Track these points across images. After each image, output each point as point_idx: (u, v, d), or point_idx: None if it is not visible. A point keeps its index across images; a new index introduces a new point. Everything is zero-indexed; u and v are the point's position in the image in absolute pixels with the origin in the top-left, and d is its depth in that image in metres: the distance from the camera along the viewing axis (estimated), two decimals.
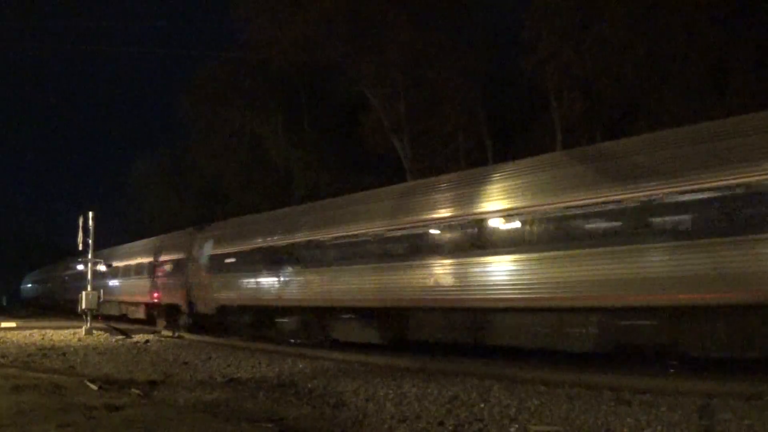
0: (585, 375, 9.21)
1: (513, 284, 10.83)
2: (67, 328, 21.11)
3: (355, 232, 14.25)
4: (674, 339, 9.25)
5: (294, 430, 6.72)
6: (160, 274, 23.73)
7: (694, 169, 8.88)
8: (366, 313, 13.90)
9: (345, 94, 29.03)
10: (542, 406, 7.38)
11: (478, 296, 11.41)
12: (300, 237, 15.98)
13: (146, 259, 25.44)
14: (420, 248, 12.70)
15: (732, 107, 15.02)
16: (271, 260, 16.81)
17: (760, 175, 8.23)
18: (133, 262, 27.09)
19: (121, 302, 27.91)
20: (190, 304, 20.74)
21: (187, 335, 19.62)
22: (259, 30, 26.94)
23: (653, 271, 9.11)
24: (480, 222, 11.54)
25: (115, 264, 27.91)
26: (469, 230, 11.77)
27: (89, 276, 21.44)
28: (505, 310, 11.07)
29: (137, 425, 6.10)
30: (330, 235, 14.97)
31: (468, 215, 11.79)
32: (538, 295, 10.38)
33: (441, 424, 6.76)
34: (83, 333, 19.44)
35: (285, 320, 16.71)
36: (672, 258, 8.93)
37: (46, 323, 24.28)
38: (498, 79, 25.56)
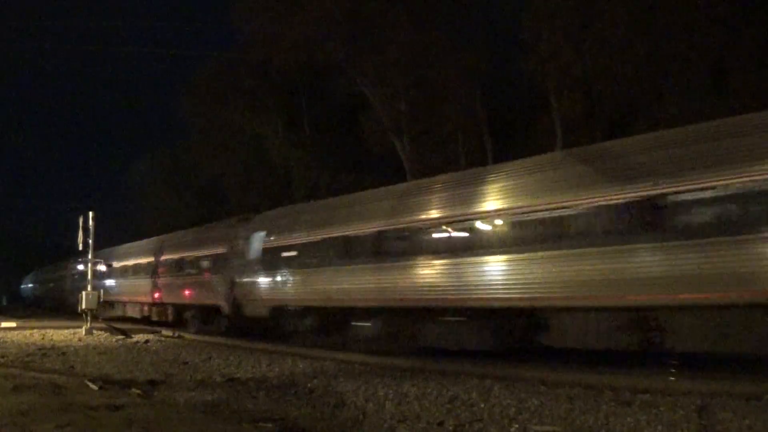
0: (585, 375, 9.22)
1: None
2: (67, 328, 21.10)
3: (499, 208, 11.44)
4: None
5: (294, 430, 6.71)
6: (192, 271, 21.54)
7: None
8: (478, 314, 11.70)
9: (345, 94, 29.05)
10: (542, 406, 7.38)
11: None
12: (400, 222, 13.29)
13: (171, 256, 23.41)
14: (567, 234, 10.45)
15: (732, 107, 15.01)
16: (347, 252, 14.43)
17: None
18: (149, 259, 25.38)
19: (134, 303, 26.46)
20: (235, 305, 18.43)
21: (187, 335, 19.62)
22: (259, 30, 26.99)
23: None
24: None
25: (129, 263, 26.68)
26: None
27: (89, 276, 21.43)
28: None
29: (137, 425, 6.10)
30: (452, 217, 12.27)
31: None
32: None
33: (441, 424, 6.76)
34: (83, 333, 19.43)
35: (363, 324, 14.29)
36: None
37: (46, 323, 24.26)
38: (498, 79, 25.58)
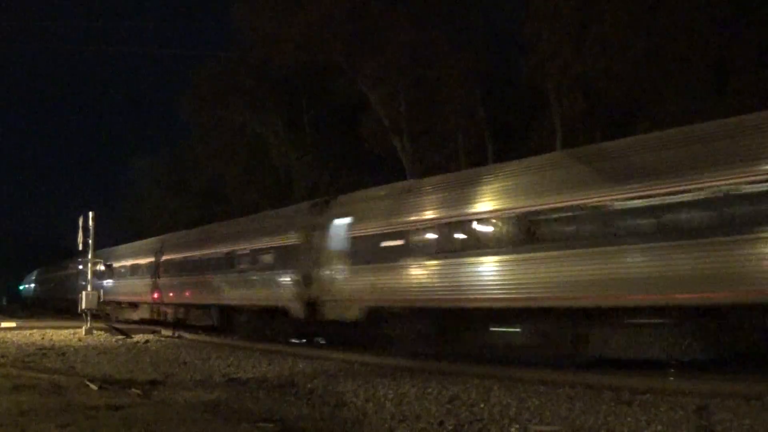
0: (585, 375, 9.21)
1: None
2: (67, 328, 21.10)
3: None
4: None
5: (294, 430, 6.71)
6: (242, 267, 18.79)
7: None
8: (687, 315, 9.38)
9: (345, 94, 29.03)
10: (542, 406, 7.39)
11: None
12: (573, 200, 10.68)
13: (206, 251, 20.92)
14: None
15: (732, 107, 15.01)
16: (491, 239, 11.71)
17: None
18: (170, 257, 23.41)
19: (151, 304, 24.89)
20: (309, 306, 15.57)
21: (187, 335, 19.61)
22: (259, 30, 26.96)
23: None
24: None
25: (140, 261, 25.46)
26: None
27: (89, 276, 21.42)
28: None
29: (137, 425, 6.10)
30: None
31: None
32: None
33: (441, 424, 6.76)
34: (83, 333, 19.43)
35: (508, 329, 11.74)
36: None
37: (46, 323, 24.26)
38: (498, 79, 25.57)
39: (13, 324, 22.51)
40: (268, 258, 17.65)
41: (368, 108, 27.05)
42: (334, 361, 12.37)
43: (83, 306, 20.36)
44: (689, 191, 9.25)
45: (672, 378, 8.84)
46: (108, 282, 28.65)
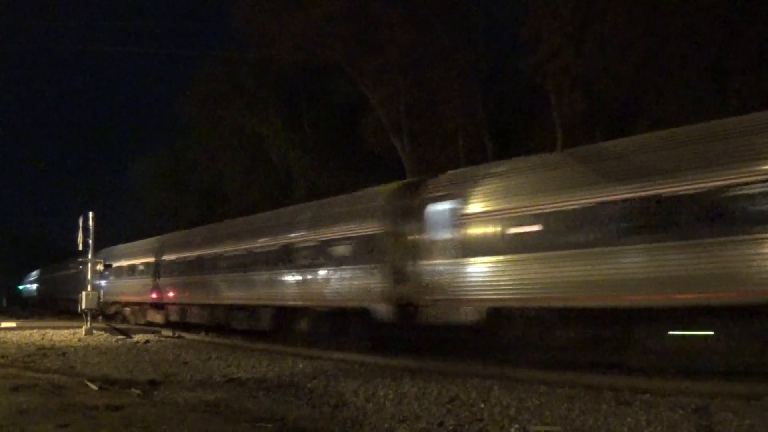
0: (585, 375, 9.21)
1: None
2: (67, 328, 21.10)
3: None
4: None
5: (294, 430, 6.71)
6: (305, 263, 15.88)
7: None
8: None
9: (345, 94, 29.07)
10: (542, 406, 7.38)
11: None
12: None
13: (264, 243, 17.77)
14: None
15: (732, 107, 15.03)
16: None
17: None
18: (199, 253, 20.98)
19: (183, 305, 22.33)
20: (400, 306, 13.06)
21: (187, 335, 19.61)
22: (259, 30, 26.98)
23: None
24: None
25: (168, 257, 23.14)
26: None
27: (89, 276, 21.42)
28: None
29: (137, 425, 6.10)
30: None
31: None
32: None
33: (441, 424, 6.76)
34: (83, 333, 19.42)
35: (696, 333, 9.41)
36: None
37: (46, 323, 24.26)
38: (498, 79, 25.62)
39: (13, 324, 22.51)
40: (341, 250, 14.73)
41: (368, 108, 27.07)
42: (334, 361, 12.36)
43: (83, 306, 20.36)
44: None
45: (672, 378, 8.84)
46: (124, 281, 27.09)
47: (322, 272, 15.31)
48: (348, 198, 16.09)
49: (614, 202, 9.93)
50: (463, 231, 11.98)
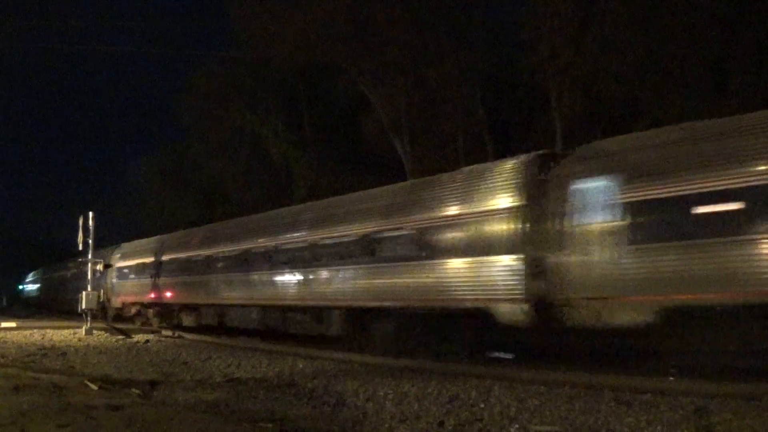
0: (585, 375, 9.21)
1: None
2: (67, 328, 21.11)
3: None
4: None
5: (294, 430, 6.71)
6: (390, 254, 13.24)
7: None
8: None
9: (345, 94, 29.08)
10: (542, 406, 7.38)
11: None
12: None
13: (332, 233, 15.07)
14: None
15: (732, 107, 15.02)
16: None
17: None
18: (265, 243, 17.36)
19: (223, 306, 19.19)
20: (546, 306, 10.43)
21: (187, 335, 19.61)
22: (259, 30, 26.98)
23: None
24: None
25: (199, 252, 20.22)
26: None
27: (89, 276, 21.43)
28: None
29: (137, 425, 6.10)
30: None
31: None
32: None
33: (441, 424, 6.76)
34: (83, 333, 19.44)
35: None
36: None
37: (46, 323, 24.27)
38: (498, 79, 25.59)
39: (13, 324, 22.52)
40: (448, 238, 12.17)
41: (368, 108, 27.07)
42: (334, 361, 12.36)
43: (83, 306, 20.37)
44: None
45: (672, 378, 8.83)
46: (146, 279, 23.80)
47: (415, 265, 12.50)
48: (460, 175, 13.02)
49: None
50: (627, 212, 9.69)
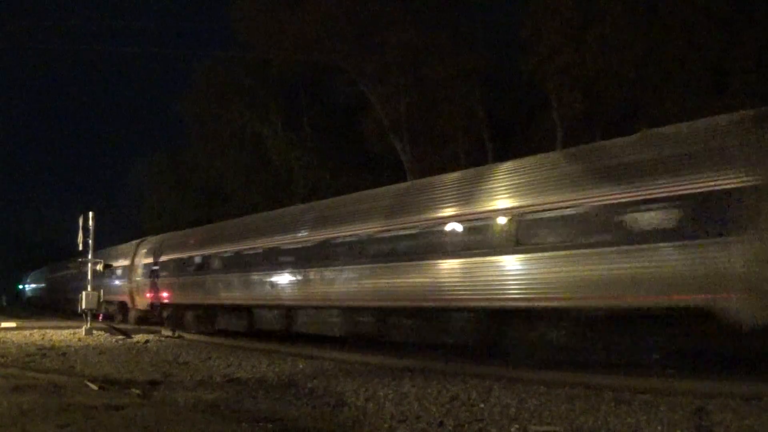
0: (585, 375, 9.21)
1: None
2: (67, 328, 21.11)
3: None
4: None
5: (294, 430, 6.72)
6: (550, 239, 10.43)
7: None
8: None
9: (345, 94, 29.07)
10: (542, 406, 7.38)
11: None
12: None
13: (458, 212, 11.91)
14: None
15: (732, 107, 15.01)
16: None
17: None
18: (355, 230, 14.15)
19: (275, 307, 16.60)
20: None
21: (187, 335, 19.61)
22: (259, 30, 26.98)
23: None
24: None
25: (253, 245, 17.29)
26: None
27: (89, 276, 21.42)
28: None
29: (137, 425, 6.10)
30: None
31: None
32: None
33: (441, 424, 6.76)
34: (83, 333, 19.44)
35: None
36: None
37: (46, 323, 24.27)
38: (498, 79, 25.58)
39: (13, 324, 22.52)
40: (650, 218, 9.34)
41: (368, 108, 27.07)
42: (334, 361, 12.36)
43: (83, 306, 20.36)
44: None
45: (672, 378, 8.83)
46: (183, 278, 21.05)
47: (598, 253, 9.71)
48: (657, 136, 10.01)
49: None
50: None
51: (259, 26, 26.89)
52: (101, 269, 23.02)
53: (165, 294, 22.09)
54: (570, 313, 10.10)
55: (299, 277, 15.59)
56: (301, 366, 11.63)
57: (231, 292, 18.22)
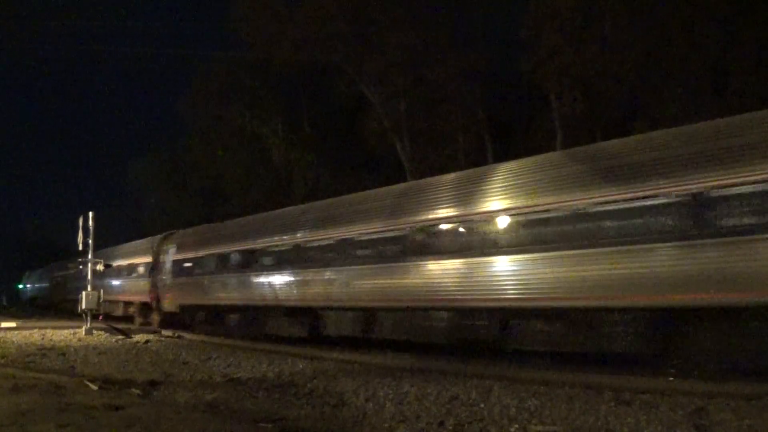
0: (585, 375, 9.21)
1: None
2: (67, 328, 21.09)
3: None
4: None
5: (294, 430, 6.71)
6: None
7: None
8: None
9: (345, 94, 29.10)
10: (542, 406, 7.38)
11: None
12: None
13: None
14: None
15: (732, 107, 15.02)
16: None
17: None
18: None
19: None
20: None
21: (187, 335, 19.59)
22: (259, 30, 27.00)
23: None
24: None
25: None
26: None
27: (89, 276, 21.40)
28: None
29: (137, 425, 6.09)
30: None
31: None
32: None
33: (441, 424, 6.75)
34: (83, 333, 19.42)
35: None
36: None
37: (46, 323, 24.25)
38: (498, 79, 25.61)
39: (13, 324, 22.49)
40: None
41: (368, 108, 27.08)
42: (334, 361, 12.35)
43: (83, 306, 20.34)
44: None
45: (672, 378, 8.84)
46: (227, 276, 18.36)
47: None
48: None
49: None
50: None
51: (259, 26, 26.91)
52: (101, 269, 22.96)
53: (198, 294, 19.59)
54: None
55: (387, 274, 13.01)
56: (301, 366, 11.62)
57: (288, 291, 15.78)
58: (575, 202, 9.95)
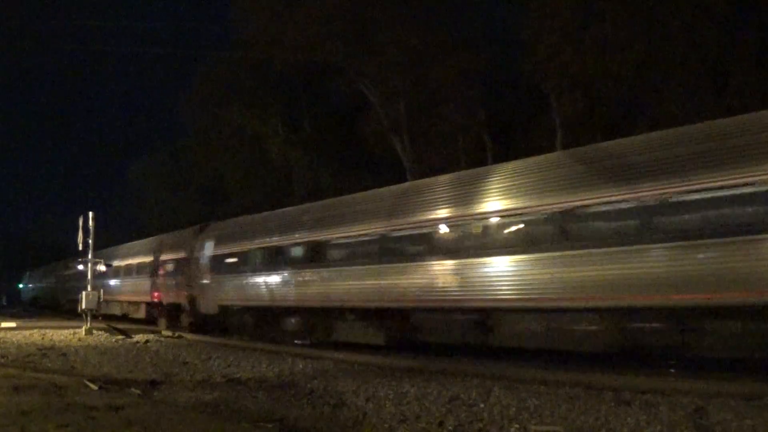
0: (585, 375, 9.21)
1: None
2: (67, 328, 21.09)
3: None
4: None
5: (294, 430, 6.71)
6: None
7: None
8: None
9: (345, 94, 29.12)
10: (542, 406, 7.38)
11: None
12: None
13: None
14: None
15: (732, 107, 15.03)
16: None
17: None
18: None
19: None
20: None
21: (187, 335, 19.58)
22: (259, 30, 27.00)
23: None
24: None
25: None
26: None
27: (89, 276, 21.39)
28: None
29: (137, 425, 6.10)
30: None
31: None
32: None
33: (441, 424, 6.75)
34: (83, 333, 19.42)
35: None
36: None
37: (46, 323, 24.25)
38: (498, 79, 25.61)
39: (13, 324, 22.49)
40: None
41: (368, 108, 27.08)
42: (334, 361, 12.35)
43: (83, 306, 20.34)
44: None
45: (672, 378, 8.84)
46: (288, 273, 15.83)
47: None
48: None
49: None
50: None
51: (259, 26, 26.90)
52: (102, 269, 22.95)
53: (246, 294, 17.44)
54: None
55: (512, 268, 10.71)
56: (301, 366, 11.62)
57: (370, 290, 13.34)
58: None
